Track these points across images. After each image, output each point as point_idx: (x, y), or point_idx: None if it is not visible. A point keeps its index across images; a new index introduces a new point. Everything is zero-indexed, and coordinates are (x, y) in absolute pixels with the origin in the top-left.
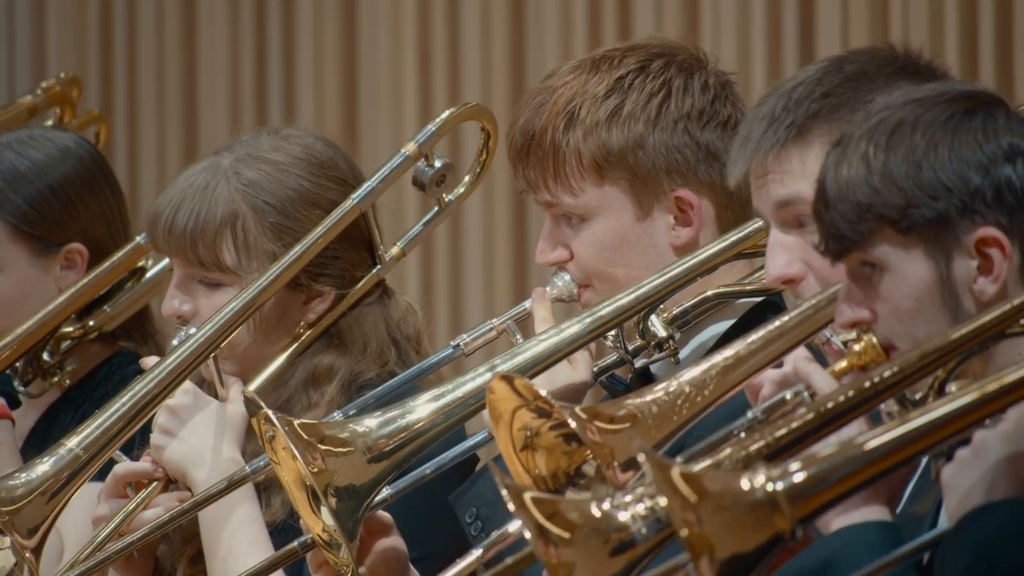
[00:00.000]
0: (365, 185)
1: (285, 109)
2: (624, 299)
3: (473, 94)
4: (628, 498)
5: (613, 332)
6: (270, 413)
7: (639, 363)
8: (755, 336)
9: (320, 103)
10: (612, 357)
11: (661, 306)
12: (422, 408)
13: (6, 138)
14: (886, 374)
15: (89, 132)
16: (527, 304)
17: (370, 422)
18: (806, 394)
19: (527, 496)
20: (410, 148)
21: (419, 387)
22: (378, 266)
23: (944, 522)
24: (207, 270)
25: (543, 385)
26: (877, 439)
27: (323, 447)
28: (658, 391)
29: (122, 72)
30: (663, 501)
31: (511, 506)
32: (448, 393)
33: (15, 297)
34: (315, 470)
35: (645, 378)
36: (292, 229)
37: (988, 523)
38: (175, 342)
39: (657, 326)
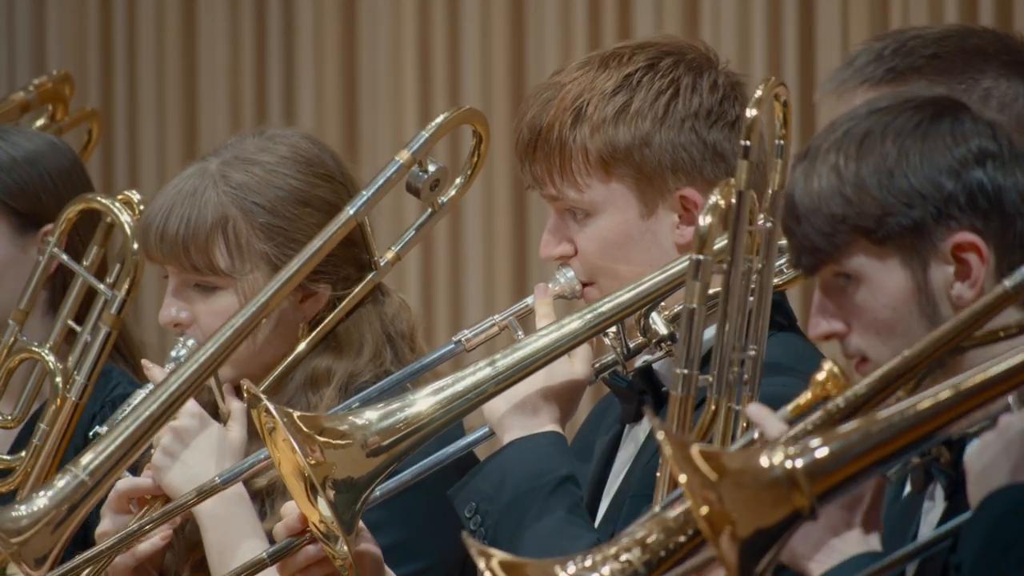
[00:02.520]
0: (361, 196)
1: (285, 109)
2: (625, 295)
3: (473, 94)
4: (588, 562)
5: (613, 329)
6: (270, 405)
7: (638, 362)
8: None
9: (320, 103)
10: (612, 355)
11: (663, 303)
12: (422, 402)
13: None
14: (843, 403)
15: (82, 129)
16: (529, 300)
17: (370, 415)
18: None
19: (495, 561)
20: (404, 156)
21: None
22: (373, 271)
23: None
24: (201, 274)
25: (543, 381)
26: (894, 415)
27: (322, 439)
28: None
29: (122, 71)
30: (683, 477)
31: (485, 573)
32: (448, 387)
33: None
34: (313, 462)
35: (648, 376)
36: (283, 228)
37: (1008, 502)
38: (173, 354)
39: (658, 324)
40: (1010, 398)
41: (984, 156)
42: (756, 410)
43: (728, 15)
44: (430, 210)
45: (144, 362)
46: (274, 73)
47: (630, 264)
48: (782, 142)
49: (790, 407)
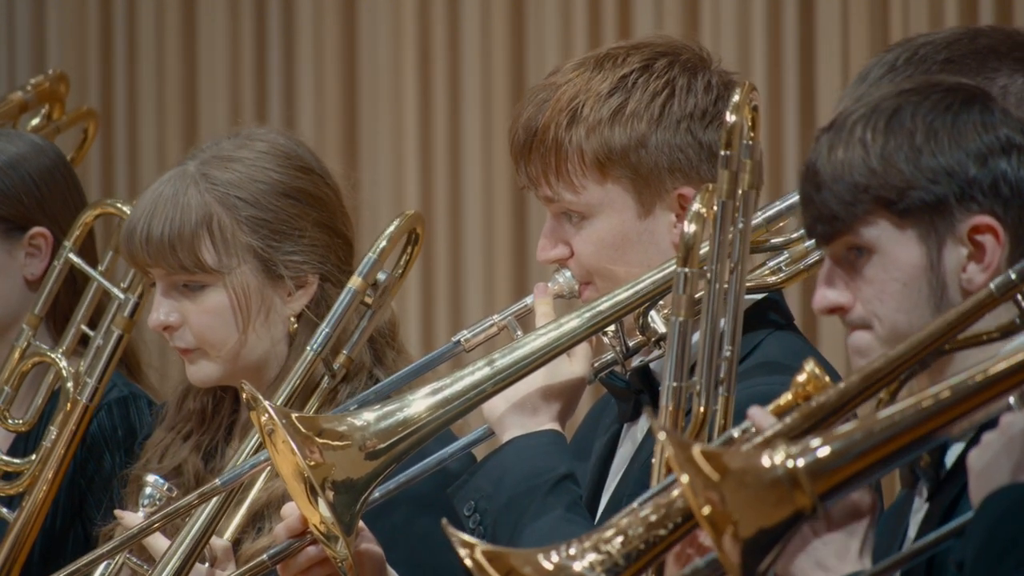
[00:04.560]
0: (320, 331)
1: (285, 109)
2: (623, 294)
3: (473, 94)
4: (573, 551)
5: (612, 328)
6: (268, 406)
7: (635, 362)
8: None
9: (320, 103)
10: (611, 354)
11: (661, 302)
12: (420, 402)
13: None
14: (827, 400)
15: (79, 128)
16: (528, 300)
17: (368, 416)
18: (753, 429)
19: (479, 551)
20: (356, 283)
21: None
22: (326, 376)
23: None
24: (190, 273)
25: (542, 380)
26: (896, 414)
27: (321, 440)
28: None
29: (122, 71)
30: (684, 478)
31: (467, 563)
32: (446, 387)
33: None
34: (312, 463)
35: (645, 375)
36: (268, 221)
37: (1008, 501)
38: (148, 491)
39: (657, 322)
40: (1011, 398)
41: (1011, 147)
42: (754, 411)
43: (728, 15)
44: (371, 311)
45: (117, 512)
46: (274, 73)
47: (627, 265)
48: (749, 143)
49: (770, 407)
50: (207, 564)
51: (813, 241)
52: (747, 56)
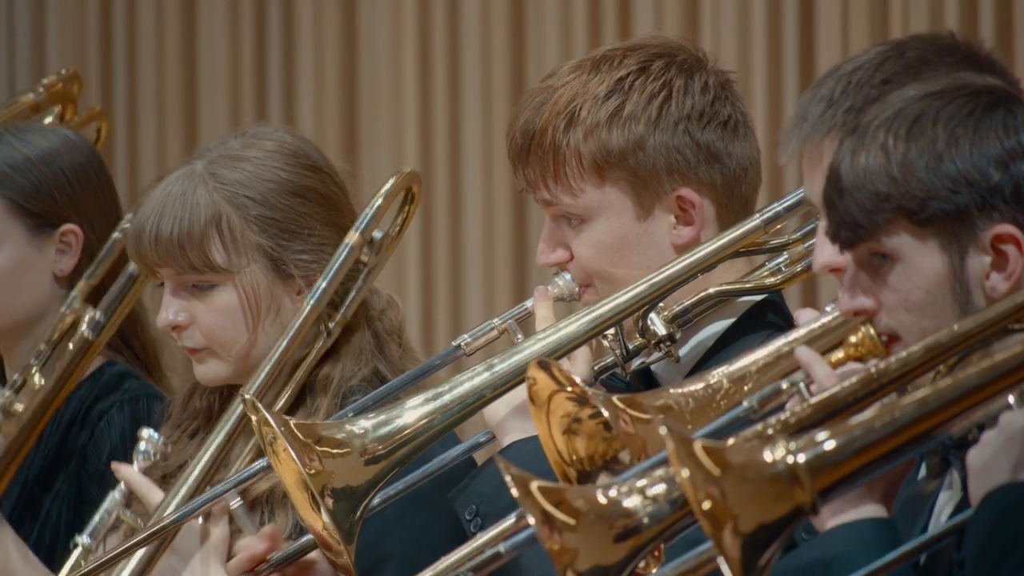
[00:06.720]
0: (318, 286)
1: (285, 109)
2: (622, 297)
3: (473, 94)
4: (640, 483)
5: (612, 331)
6: (267, 414)
7: (636, 363)
8: (796, 335)
9: (320, 103)
10: (611, 357)
11: (661, 304)
12: (419, 409)
13: (6, 128)
14: (890, 367)
15: (90, 128)
16: (528, 303)
17: (366, 423)
18: (802, 384)
19: (534, 485)
20: (353, 238)
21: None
22: (324, 335)
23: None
24: (199, 273)
25: None
26: (896, 410)
27: (320, 448)
28: (697, 385)
29: (122, 72)
30: (685, 472)
31: (515, 492)
32: (445, 393)
33: (10, 275)
34: (312, 471)
35: (645, 377)
36: (276, 220)
37: (1008, 499)
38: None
39: (657, 324)
40: (1011, 397)
41: None
42: (806, 353)
43: (728, 15)
44: (367, 270)
45: (113, 464)
46: (274, 73)
47: (627, 267)
48: None
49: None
50: (201, 520)
51: (830, 240)
52: (747, 56)
